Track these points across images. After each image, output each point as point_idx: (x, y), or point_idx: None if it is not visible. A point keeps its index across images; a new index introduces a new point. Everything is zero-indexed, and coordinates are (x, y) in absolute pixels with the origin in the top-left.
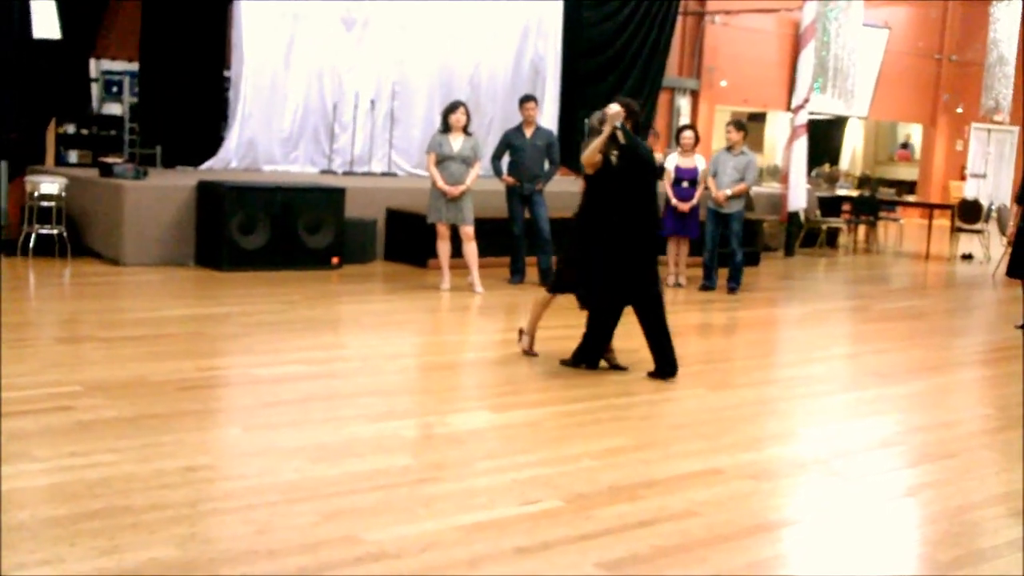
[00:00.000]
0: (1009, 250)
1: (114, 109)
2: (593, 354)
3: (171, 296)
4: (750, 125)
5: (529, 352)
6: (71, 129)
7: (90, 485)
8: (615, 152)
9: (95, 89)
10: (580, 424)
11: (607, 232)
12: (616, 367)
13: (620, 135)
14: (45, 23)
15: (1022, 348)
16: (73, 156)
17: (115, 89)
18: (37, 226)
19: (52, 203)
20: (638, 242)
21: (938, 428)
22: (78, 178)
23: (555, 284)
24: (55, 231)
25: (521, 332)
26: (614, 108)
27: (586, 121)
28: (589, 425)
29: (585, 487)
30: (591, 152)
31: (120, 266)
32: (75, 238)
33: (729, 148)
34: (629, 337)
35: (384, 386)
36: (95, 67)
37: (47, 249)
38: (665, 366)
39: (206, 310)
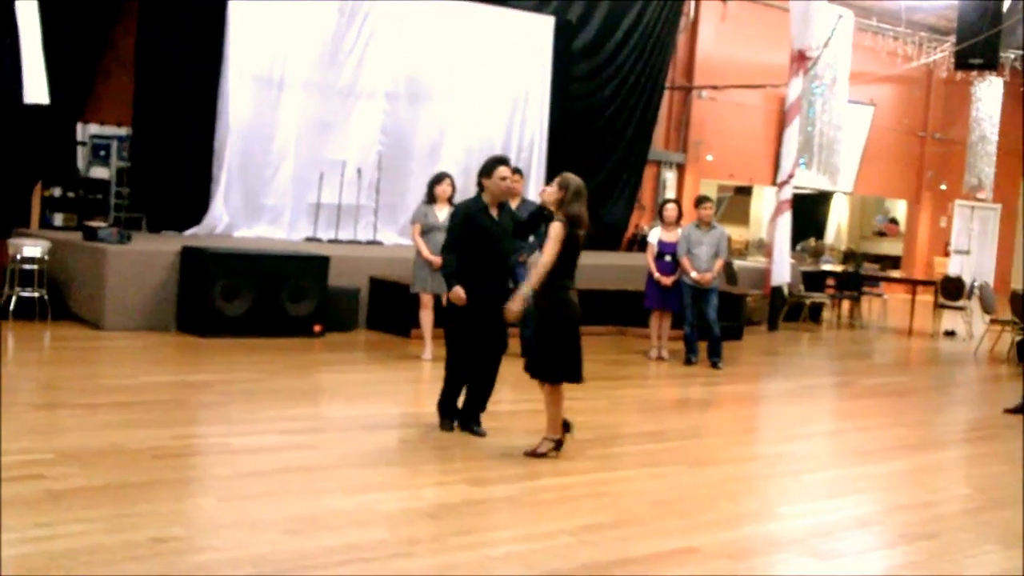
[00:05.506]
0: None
1: (101, 173)
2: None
3: (151, 362)
4: (737, 199)
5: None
6: (57, 192)
7: (54, 557)
8: None
9: (83, 153)
10: (558, 500)
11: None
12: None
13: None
14: (35, 89)
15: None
16: (58, 219)
17: (103, 153)
18: (18, 289)
19: (34, 266)
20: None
21: (917, 508)
22: (62, 241)
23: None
24: (36, 294)
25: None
26: None
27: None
28: (567, 501)
29: (560, 564)
30: None
31: (101, 331)
32: (57, 302)
33: (699, 224)
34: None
35: (361, 458)
36: (83, 131)
37: (28, 312)
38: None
39: (186, 377)
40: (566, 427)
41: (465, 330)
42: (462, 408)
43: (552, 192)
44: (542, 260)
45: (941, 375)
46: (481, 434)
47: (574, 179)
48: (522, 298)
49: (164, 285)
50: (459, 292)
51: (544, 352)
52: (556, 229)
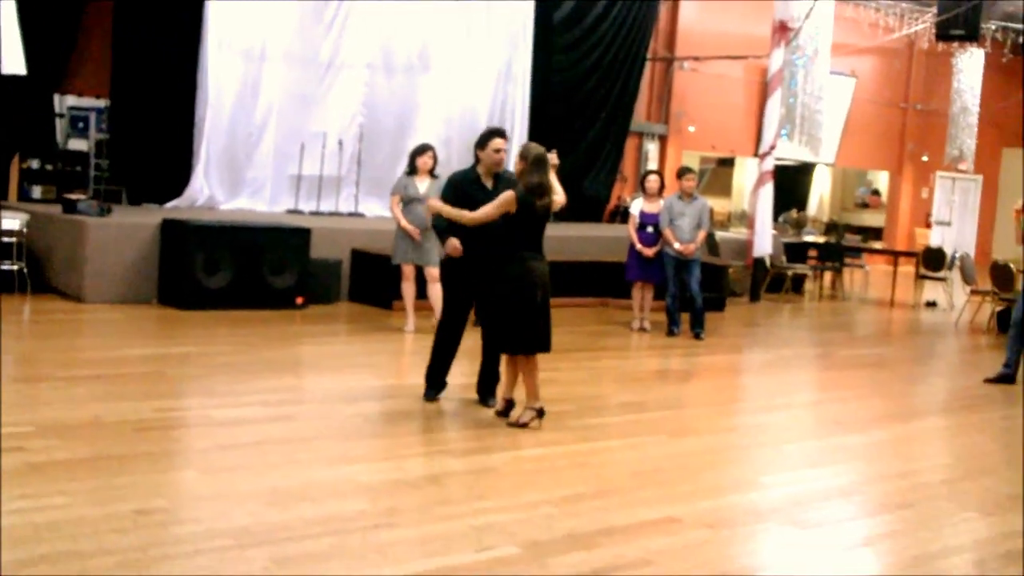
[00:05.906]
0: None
1: (80, 145)
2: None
3: (132, 335)
4: (719, 170)
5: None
6: (35, 164)
7: (37, 529)
8: None
9: (61, 125)
10: (539, 471)
11: None
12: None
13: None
14: (12, 59)
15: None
16: (37, 191)
17: (81, 125)
18: None
19: (13, 239)
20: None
21: (897, 478)
22: (41, 214)
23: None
24: (15, 267)
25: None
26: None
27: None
28: (548, 472)
29: (542, 534)
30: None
31: (81, 303)
32: (36, 275)
33: (681, 195)
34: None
35: (343, 430)
36: (61, 103)
37: (7, 286)
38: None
39: (166, 350)
40: (541, 413)
41: (461, 298)
42: (479, 383)
43: (515, 163)
44: (474, 213)
45: (922, 346)
46: (492, 406)
47: (535, 148)
48: (428, 206)
49: (145, 258)
50: (454, 242)
51: (510, 325)
52: (504, 195)
